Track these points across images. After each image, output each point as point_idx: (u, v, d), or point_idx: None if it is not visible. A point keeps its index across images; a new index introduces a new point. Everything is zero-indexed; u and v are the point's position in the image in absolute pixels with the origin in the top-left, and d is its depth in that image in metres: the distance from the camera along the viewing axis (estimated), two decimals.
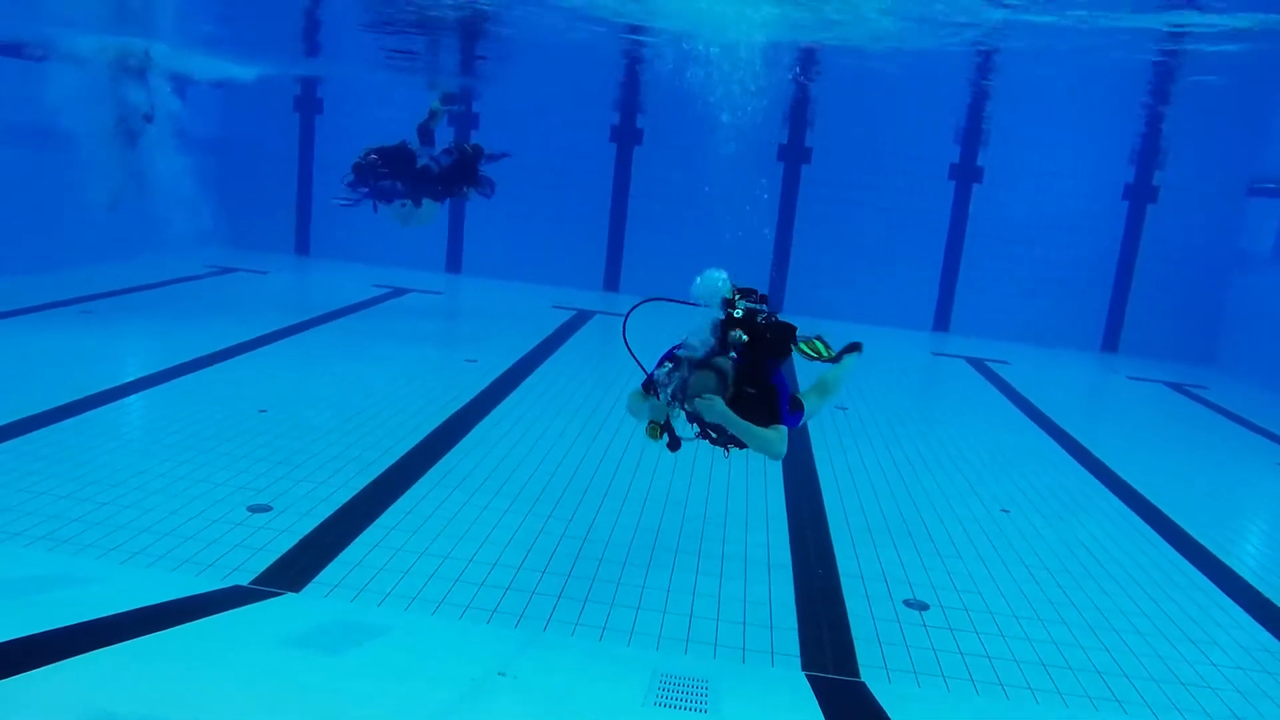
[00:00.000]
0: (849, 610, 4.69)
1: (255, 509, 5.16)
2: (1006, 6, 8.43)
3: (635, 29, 10.78)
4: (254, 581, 4.34)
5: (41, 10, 10.28)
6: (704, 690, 3.70)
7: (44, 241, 11.32)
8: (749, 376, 4.29)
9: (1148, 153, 13.79)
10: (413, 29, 11.23)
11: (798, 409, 4.83)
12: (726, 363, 4.24)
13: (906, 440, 7.93)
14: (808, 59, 11.85)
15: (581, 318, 12.37)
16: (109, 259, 12.24)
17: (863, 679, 4.04)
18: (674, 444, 4.35)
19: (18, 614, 3.63)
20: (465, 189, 10.99)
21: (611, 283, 14.99)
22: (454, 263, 15.35)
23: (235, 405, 7.00)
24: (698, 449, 6.74)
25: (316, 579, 4.44)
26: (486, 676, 3.62)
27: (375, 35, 11.77)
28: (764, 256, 14.13)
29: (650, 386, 4.35)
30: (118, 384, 7.33)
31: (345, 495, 5.50)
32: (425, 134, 11.02)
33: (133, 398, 7.08)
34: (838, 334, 5.63)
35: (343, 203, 10.47)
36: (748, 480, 6.47)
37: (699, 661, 4.06)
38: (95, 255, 12.01)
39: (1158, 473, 7.75)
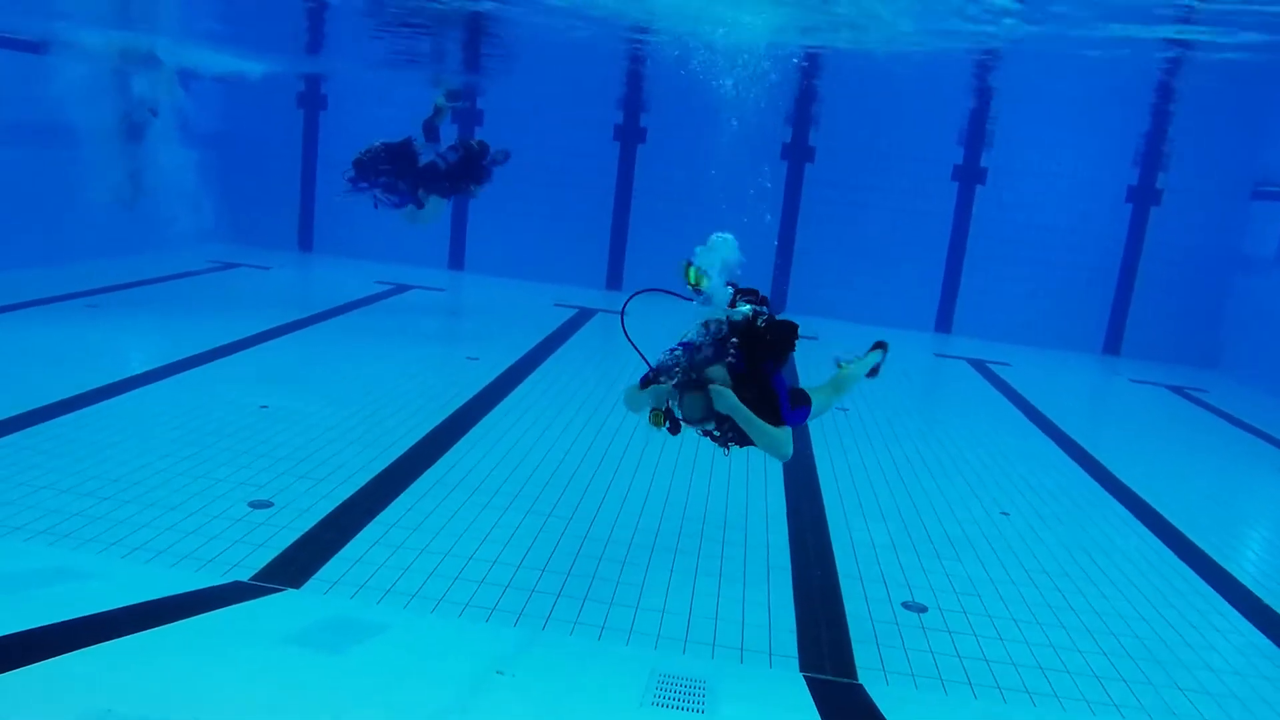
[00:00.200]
0: (847, 612, 4.70)
1: (256, 505, 5.17)
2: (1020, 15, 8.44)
3: (639, 29, 10.78)
4: (254, 577, 4.35)
5: (45, 4, 10.29)
6: (701, 690, 3.71)
7: (49, 236, 11.35)
8: (747, 380, 4.25)
9: (1151, 155, 13.78)
10: (416, 26, 11.23)
11: (802, 404, 4.77)
12: (721, 372, 4.19)
13: (907, 441, 7.93)
14: (814, 59, 11.85)
15: (583, 316, 12.38)
16: (113, 253, 12.25)
17: (860, 681, 4.04)
18: (675, 428, 4.31)
19: (18, 609, 3.64)
20: (472, 186, 11.00)
21: (614, 281, 14.99)
22: (457, 260, 15.35)
23: (237, 401, 7.01)
24: (699, 448, 6.77)
25: (316, 575, 4.45)
26: (485, 675, 3.62)
27: (379, 32, 11.77)
28: (767, 256, 14.12)
29: (649, 380, 4.33)
30: (120, 379, 7.34)
31: (346, 492, 5.51)
32: (431, 131, 11.02)
33: (135, 392, 7.09)
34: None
35: (344, 193, 10.45)
36: (748, 480, 6.48)
37: (697, 661, 4.06)
38: (100, 250, 12.03)
39: (1158, 476, 7.75)
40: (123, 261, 12.17)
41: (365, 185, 10.38)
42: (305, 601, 4.19)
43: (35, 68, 10.95)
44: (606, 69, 13.53)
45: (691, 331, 4.38)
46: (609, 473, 6.35)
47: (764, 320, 4.35)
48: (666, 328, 4.61)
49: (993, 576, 5.33)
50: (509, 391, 8.18)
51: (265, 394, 7.28)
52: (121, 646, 3.45)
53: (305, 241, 15.65)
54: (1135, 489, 7.26)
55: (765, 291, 4.73)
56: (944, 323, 14.47)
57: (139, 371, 7.61)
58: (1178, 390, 11.80)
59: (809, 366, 9.52)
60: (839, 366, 5.31)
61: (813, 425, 7.82)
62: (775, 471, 6.66)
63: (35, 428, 6.00)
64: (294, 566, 4.51)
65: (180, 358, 8.08)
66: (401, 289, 13.06)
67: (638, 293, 4.56)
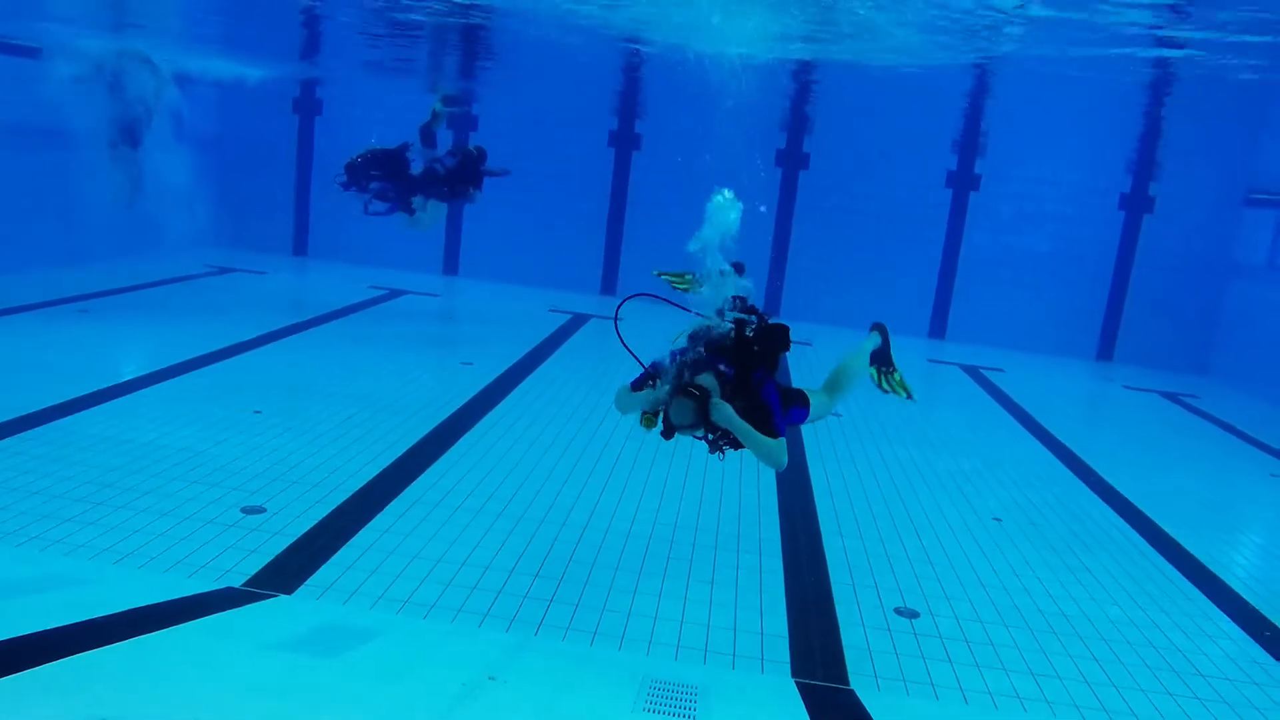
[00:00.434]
0: (839, 617, 4.71)
1: (249, 510, 5.17)
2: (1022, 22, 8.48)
3: (629, 38, 10.80)
4: (247, 583, 4.35)
5: (40, 7, 10.29)
6: (693, 696, 3.72)
7: (42, 240, 11.32)
8: (738, 387, 4.25)
9: (1144, 162, 13.84)
10: (411, 33, 11.25)
11: (798, 404, 4.76)
12: (710, 380, 4.17)
13: (900, 447, 7.94)
14: (807, 67, 11.88)
15: (578, 321, 12.39)
16: (108, 257, 12.23)
17: (852, 686, 4.05)
18: (668, 433, 4.30)
19: (9, 615, 3.63)
20: (471, 191, 11.02)
21: (609, 286, 15.00)
22: (451, 265, 15.36)
23: (230, 406, 7.01)
24: (692, 453, 6.78)
25: (309, 581, 4.45)
26: (478, 681, 3.63)
27: (374, 39, 11.78)
28: (761, 261, 14.14)
29: (641, 384, 4.34)
30: (113, 384, 7.33)
31: (339, 498, 5.51)
32: (427, 136, 11.05)
33: (128, 397, 7.08)
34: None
35: (337, 180, 10.45)
36: (741, 486, 6.49)
37: (689, 667, 4.07)
38: (94, 254, 12.02)
39: (1150, 482, 7.77)
40: (117, 265, 12.15)
41: (355, 189, 10.41)
42: (298, 607, 4.19)
43: (28, 71, 10.95)
44: (601, 76, 13.55)
45: (682, 339, 4.39)
46: (602, 478, 6.36)
47: (752, 330, 4.35)
48: (662, 332, 4.62)
49: (984, 582, 5.34)
50: (503, 397, 8.19)
51: (259, 399, 7.27)
52: (113, 653, 3.45)
53: (300, 246, 15.65)
54: (1127, 495, 7.29)
55: (760, 295, 4.73)
56: (938, 328, 14.50)
57: (132, 376, 7.61)
58: (1170, 396, 11.83)
59: (803, 372, 9.54)
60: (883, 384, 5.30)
61: (806, 431, 7.84)
62: (768, 477, 6.67)
63: (27, 433, 5.99)
64: (286, 572, 4.51)
65: (174, 362, 8.07)
66: (396, 294, 13.06)
67: (630, 297, 4.56)
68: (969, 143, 14.22)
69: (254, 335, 9.42)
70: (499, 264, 15.00)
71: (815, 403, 4.88)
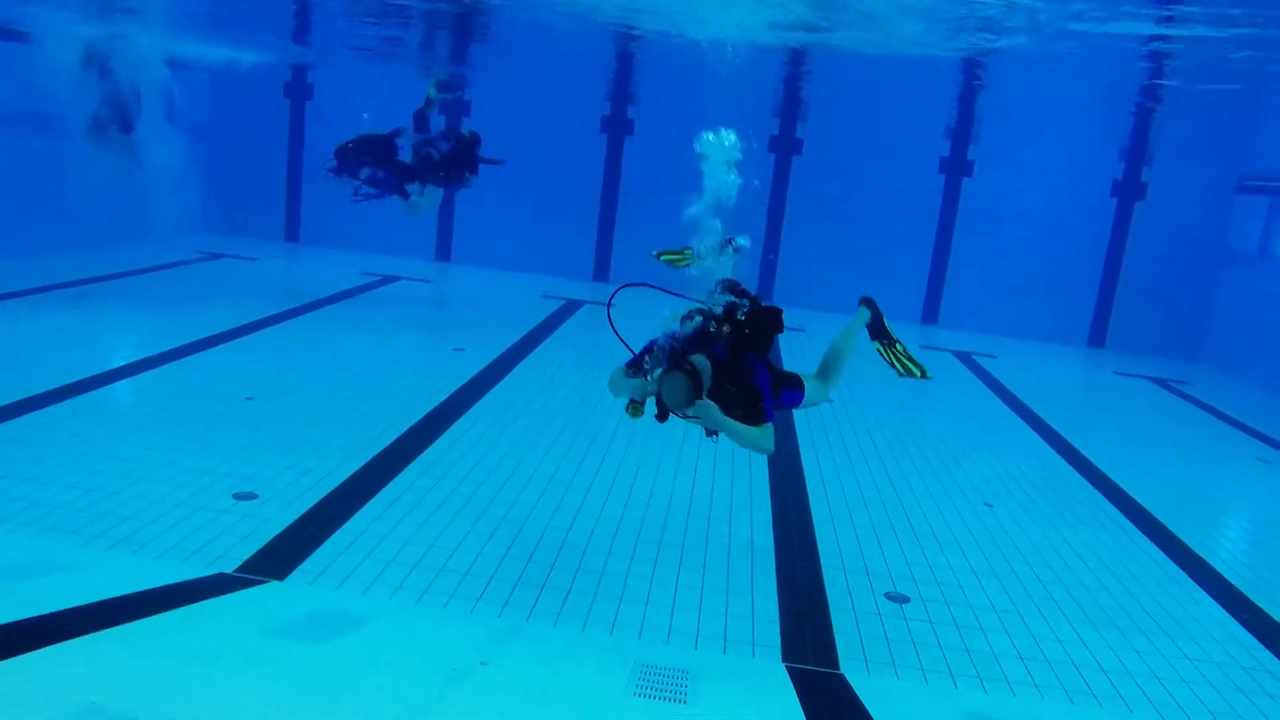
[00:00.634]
0: (830, 602, 4.73)
1: (241, 496, 5.17)
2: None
3: (620, 24, 10.75)
4: (239, 569, 4.36)
5: None
6: (684, 680, 3.74)
7: (34, 226, 11.26)
8: (730, 373, 4.26)
9: (1136, 149, 13.85)
10: (403, 17, 11.19)
11: (791, 386, 4.77)
12: (704, 361, 4.18)
13: (891, 432, 7.97)
14: (801, 53, 11.84)
15: (571, 307, 12.38)
16: (100, 244, 12.17)
17: (842, 671, 4.08)
18: (663, 415, 4.29)
19: (1, 601, 3.64)
20: (466, 175, 10.99)
21: (601, 273, 14.99)
22: (444, 251, 15.32)
23: (222, 392, 7.00)
24: (684, 439, 6.80)
25: (301, 567, 4.46)
26: (469, 665, 3.65)
27: (365, 22, 11.72)
28: (754, 247, 14.13)
29: (635, 367, 4.34)
30: (106, 369, 7.31)
31: (331, 483, 5.51)
32: (421, 121, 11.00)
33: (120, 383, 7.07)
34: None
35: (327, 168, 10.42)
36: (733, 472, 6.51)
37: (680, 652, 4.09)
38: (86, 240, 11.95)
39: (1140, 468, 7.82)
40: (109, 252, 12.10)
41: (346, 175, 10.37)
42: (290, 593, 4.20)
43: (17, 55, 10.87)
44: (594, 61, 13.50)
45: (674, 322, 4.39)
46: (594, 464, 6.37)
47: (744, 313, 4.35)
48: (655, 319, 4.61)
49: (975, 567, 5.37)
50: (496, 383, 8.19)
51: (251, 385, 7.27)
52: (106, 639, 3.46)
53: (292, 232, 15.59)
54: (1118, 481, 7.33)
55: (753, 280, 4.74)
56: (930, 315, 14.53)
57: (124, 362, 7.59)
58: (1161, 383, 11.89)
59: (795, 357, 9.56)
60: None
61: (797, 416, 7.87)
62: (759, 462, 6.70)
63: (20, 419, 5.98)
64: (279, 558, 4.52)
65: (166, 349, 8.06)
66: (388, 280, 13.04)
67: (624, 286, 4.56)
68: (962, 129, 14.21)
69: (246, 321, 9.40)
70: (491, 250, 14.97)
71: (810, 386, 4.90)
